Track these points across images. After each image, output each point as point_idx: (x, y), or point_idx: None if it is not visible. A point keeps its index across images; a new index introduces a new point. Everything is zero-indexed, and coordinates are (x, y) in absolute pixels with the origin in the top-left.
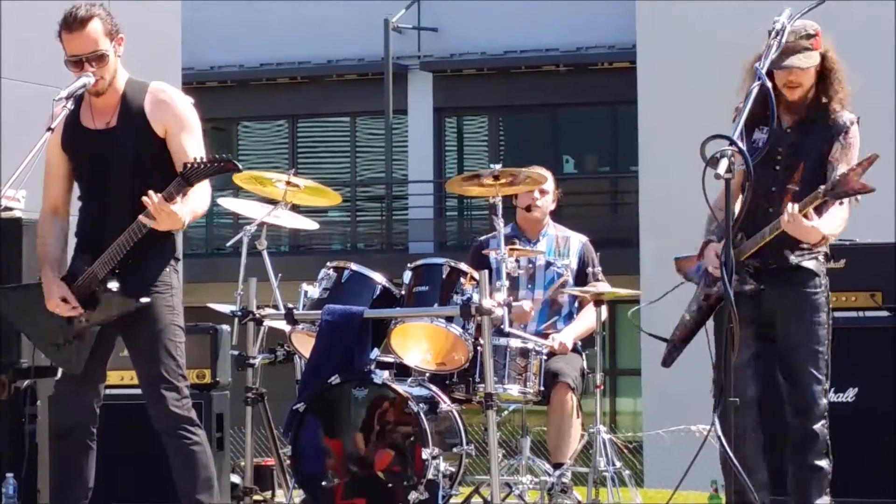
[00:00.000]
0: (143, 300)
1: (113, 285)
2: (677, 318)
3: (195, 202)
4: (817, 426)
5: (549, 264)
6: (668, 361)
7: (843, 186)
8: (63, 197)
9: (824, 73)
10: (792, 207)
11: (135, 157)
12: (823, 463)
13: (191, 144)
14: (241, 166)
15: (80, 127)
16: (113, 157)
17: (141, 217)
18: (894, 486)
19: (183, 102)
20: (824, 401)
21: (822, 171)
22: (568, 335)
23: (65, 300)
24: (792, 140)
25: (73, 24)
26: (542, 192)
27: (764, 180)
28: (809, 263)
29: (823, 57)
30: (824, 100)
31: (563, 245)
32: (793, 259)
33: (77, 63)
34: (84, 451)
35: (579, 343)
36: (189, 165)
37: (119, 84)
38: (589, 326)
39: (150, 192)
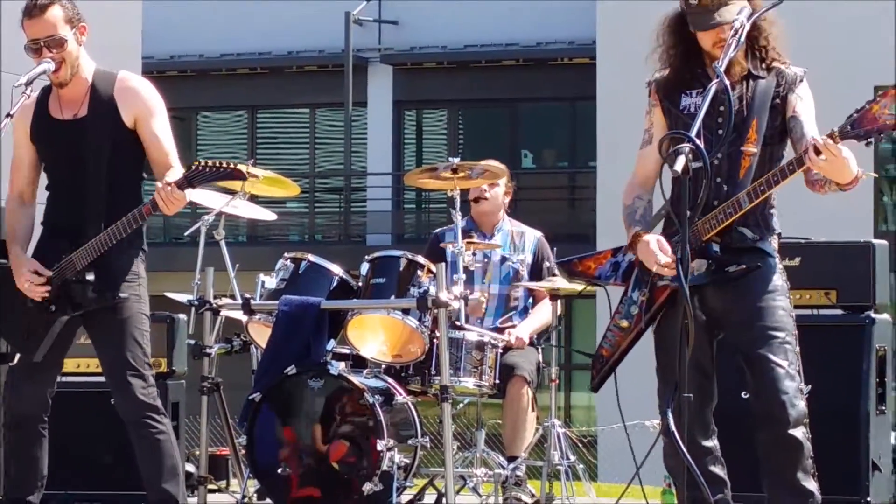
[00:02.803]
0: (122, 295)
1: (90, 276)
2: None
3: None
4: (795, 432)
5: (504, 259)
6: (600, 383)
7: (868, 124)
8: (30, 184)
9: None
10: (822, 138)
11: (109, 146)
12: (811, 485)
13: (161, 131)
14: (246, 174)
15: (48, 117)
16: (87, 148)
17: (146, 206)
18: (853, 483)
19: (149, 90)
20: (801, 402)
21: (774, 129)
22: (524, 330)
23: (37, 273)
24: (737, 95)
25: (32, 9)
26: (492, 185)
27: (705, 148)
28: (766, 245)
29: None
30: (759, 51)
31: (519, 240)
32: (750, 237)
33: (36, 49)
34: (37, 440)
35: (535, 337)
36: (194, 169)
37: (86, 74)
38: (545, 321)
39: (159, 184)
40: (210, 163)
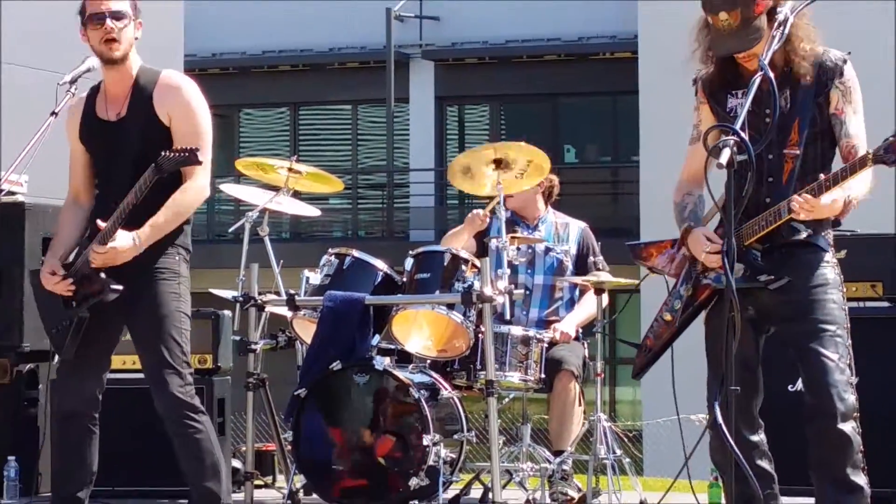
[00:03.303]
0: (115, 287)
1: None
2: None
3: (166, 213)
4: (845, 426)
5: (548, 250)
6: (641, 371)
7: None
8: (84, 185)
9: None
10: (800, 198)
11: (139, 146)
12: (861, 480)
13: (193, 131)
14: (201, 158)
15: (94, 118)
16: (122, 148)
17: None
18: None
19: (190, 89)
20: (851, 396)
21: (821, 126)
22: (569, 323)
23: (53, 274)
24: (781, 95)
25: None
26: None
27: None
28: (818, 238)
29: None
30: (796, 42)
31: (563, 231)
32: (803, 233)
33: (99, 18)
34: (86, 436)
35: (581, 331)
36: (162, 155)
37: (132, 71)
38: (590, 313)
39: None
40: (172, 149)
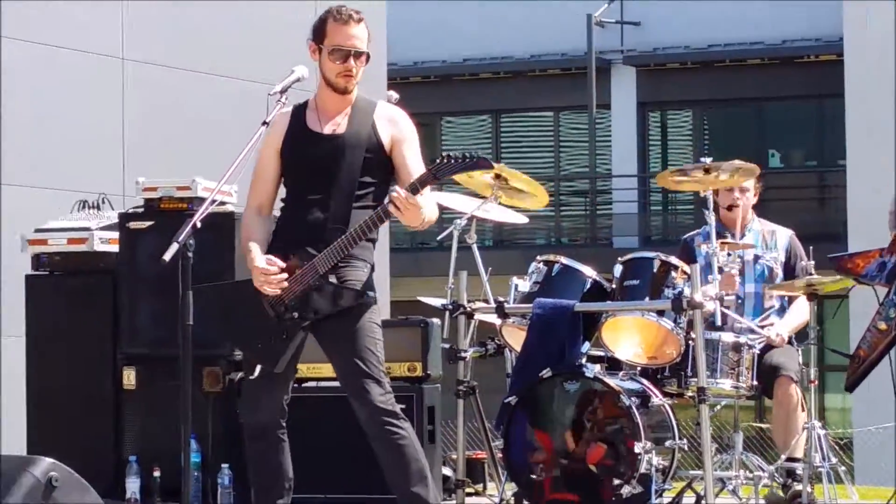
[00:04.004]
0: (371, 294)
1: (334, 279)
2: None
3: (429, 207)
4: None
5: (757, 258)
6: (855, 383)
7: None
8: (270, 197)
9: None
10: None
11: (362, 164)
12: None
13: (413, 159)
14: (493, 163)
15: (306, 130)
16: (341, 162)
17: (386, 205)
18: None
19: (407, 120)
20: None
21: None
22: (784, 327)
23: (271, 265)
24: None
25: (348, 19)
26: (743, 191)
27: None
28: None
29: None
30: None
31: (770, 238)
32: None
33: (344, 55)
34: (279, 447)
35: (794, 337)
36: (438, 161)
37: (353, 94)
38: (804, 319)
39: (397, 188)
40: (450, 155)
